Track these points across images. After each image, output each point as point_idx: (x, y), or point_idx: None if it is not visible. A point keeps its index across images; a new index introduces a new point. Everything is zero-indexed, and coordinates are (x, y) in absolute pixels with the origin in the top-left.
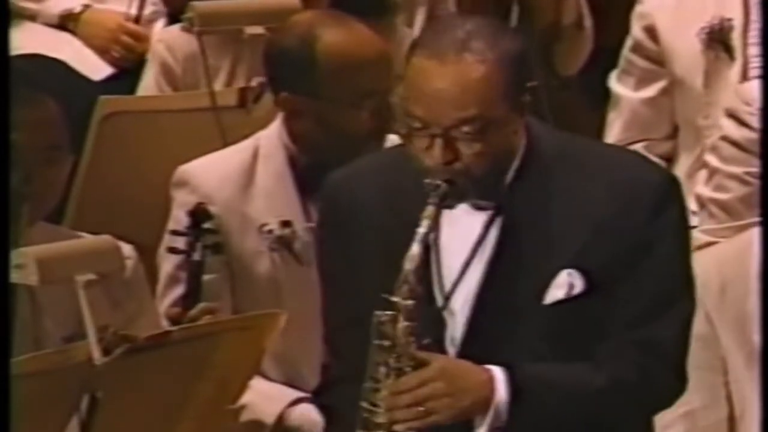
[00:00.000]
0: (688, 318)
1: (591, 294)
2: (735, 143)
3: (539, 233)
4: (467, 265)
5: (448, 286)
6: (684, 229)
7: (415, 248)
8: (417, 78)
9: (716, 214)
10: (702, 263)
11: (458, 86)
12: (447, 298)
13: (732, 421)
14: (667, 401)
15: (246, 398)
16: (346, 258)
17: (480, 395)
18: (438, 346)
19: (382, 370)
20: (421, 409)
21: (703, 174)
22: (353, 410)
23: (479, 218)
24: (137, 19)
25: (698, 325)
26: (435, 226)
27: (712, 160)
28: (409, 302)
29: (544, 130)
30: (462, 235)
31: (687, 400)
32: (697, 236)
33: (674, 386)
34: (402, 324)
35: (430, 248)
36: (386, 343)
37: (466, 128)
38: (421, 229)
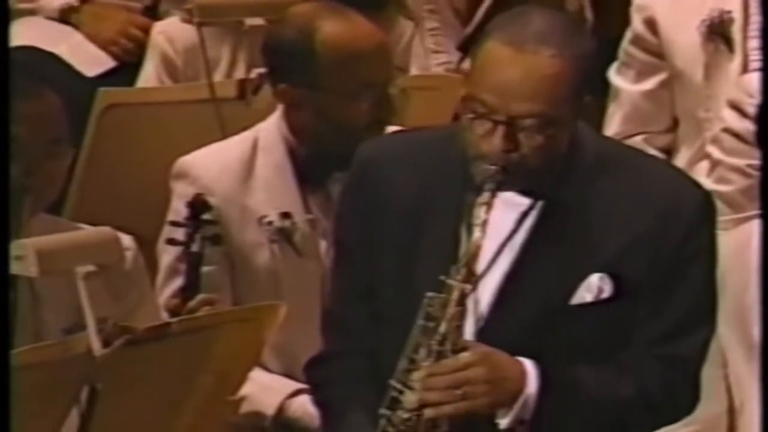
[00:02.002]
0: (710, 338)
1: (618, 301)
2: (737, 135)
3: (573, 234)
4: (497, 254)
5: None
6: (714, 249)
7: (478, 233)
8: (490, 63)
9: (718, 206)
10: None
11: (532, 78)
12: (474, 285)
13: (732, 413)
14: (684, 414)
15: (246, 390)
16: (366, 232)
17: (514, 387)
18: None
19: (423, 351)
20: (458, 392)
21: (704, 166)
22: (347, 384)
23: (513, 212)
24: (153, 13)
25: None
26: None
27: (714, 152)
28: (467, 286)
29: (588, 132)
30: (495, 227)
31: None
32: None
33: (691, 403)
34: (452, 308)
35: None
36: (431, 324)
37: (530, 121)
38: (482, 215)
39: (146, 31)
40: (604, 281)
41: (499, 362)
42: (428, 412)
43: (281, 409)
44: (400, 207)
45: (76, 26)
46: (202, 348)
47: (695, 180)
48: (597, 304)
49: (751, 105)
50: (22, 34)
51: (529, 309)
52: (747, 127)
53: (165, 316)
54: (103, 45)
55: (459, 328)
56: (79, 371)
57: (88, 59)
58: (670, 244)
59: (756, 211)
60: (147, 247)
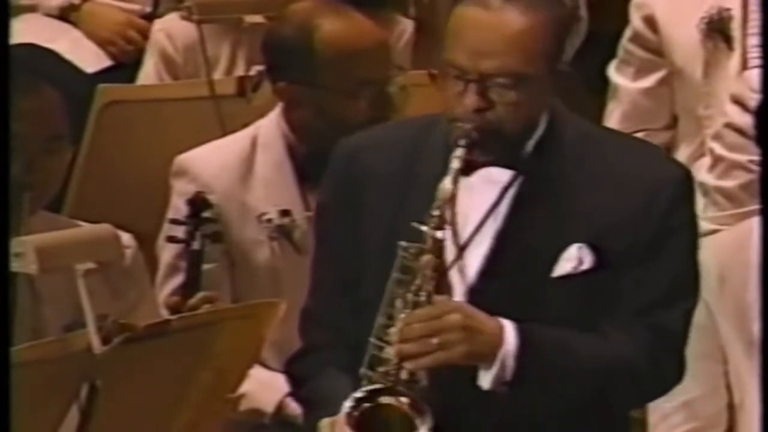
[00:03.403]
0: (693, 310)
1: (600, 272)
2: (739, 130)
3: (554, 206)
4: (481, 224)
5: (461, 242)
6: (695, 224)
7: (448, 181)
8: (459, 25)
9: (719, 202)
10: (701, 254)
11: (499, 35)
12: (458, 257)
13: (731, 409)
14: (668, 388)
15: (245, 387)
16: (350, 223)
17: (491, 340)
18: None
19: (399, 303)
20: (434, 341)
21: (706, 162)
22: (329, 374)
23: (496, 187)
24: (151, 17)
25: (698, 315)
26: (462, 172)
27: (716, 147)
28: (438, 233)
29: (568, 112)
30: (477, 202)
31: (686, 390)
32: (701, 224)
33: (676, 374)
34: (426, 256)
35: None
36: (407, 276)
37: (502, 79)
38: (454, 165)
39: (144, 34)
40: (583, 251)
41: (475, 313)
42: (406, 365)
43: (281, 407)
44: (382, 195)
45: (75, 24)
46: (201, 345)
47: (674, 158)
48: (579, 275)
49: (754, 99)
50: (21, 30)
51: (514, 280)
52: (749, 122)
53: (165, 314)
54: (101, 44)
55: (434, 279)
56: (78, 368)
57: (88, 56)
58: (651, 219)
59: (755, 207)
60: (147, 244)
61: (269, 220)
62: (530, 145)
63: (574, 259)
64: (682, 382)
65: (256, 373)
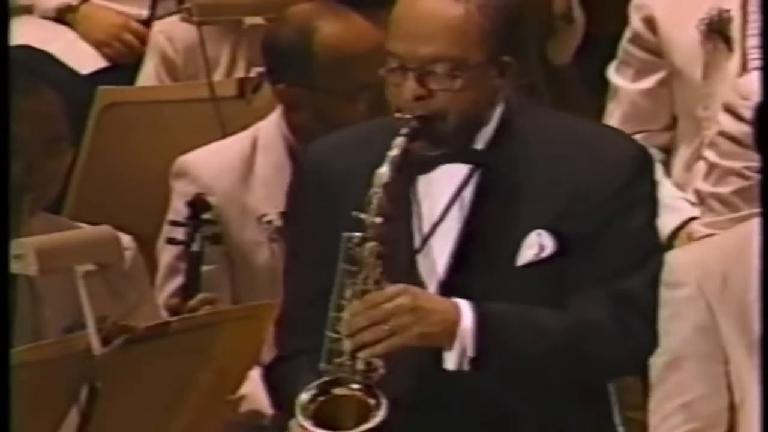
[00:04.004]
0: (657, 277)
1: (563, 256)
2: (732, 138)
3: (514, 196)
4: (442, 217)
5: (425, 231)
6: (653, 199)
7: (384, 168)
8: (400, 14)
9: (715, 208)
10: (704, 253)
11: (437, 21)
12: (421, 248)
13: (732, 410)
14: (643, 353)
15: (245, 388)
16: (319, 230)
17: (445, 318)
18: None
19: (348, 294)
20: (386, 327)
21: (701, 169)
22: (304, 381)
23: (456, 180)
24: (149, 21)
25: (699, 315)
26: (405, 158)
27: (710, 155)
28: (378, 219)
29: (524, 102)
30: (440, 194)
31: (688, 390)
32: (698, 229)
33: (647, 337)
34: (370, 244)
35: (411, 202)
36: (353, 267)
37: (440, 66)
38: (392, 153)
39: (140, 37)
40: (543, 237)
41: (425, 294)
42: (362, 354)
43: None
44: (350, 199)
45: (71, 26)
46: (201, 347)
47: (630, 137)
48: (542, 262)
49: (746, 108)
50: (16, 32)
51: (481, 271)
52: (742, 130)
53: (164, 315)
54: (96, 46)
55: (379, 267)
56: (78, 370)
57: (82, 57)
58: (608, 196)
59: (752, 210)
60: (147, 246)
61: (269, 222)
62: (484, 137)
63: (535, 245)
64: (684, 382)
65: (256, 374)
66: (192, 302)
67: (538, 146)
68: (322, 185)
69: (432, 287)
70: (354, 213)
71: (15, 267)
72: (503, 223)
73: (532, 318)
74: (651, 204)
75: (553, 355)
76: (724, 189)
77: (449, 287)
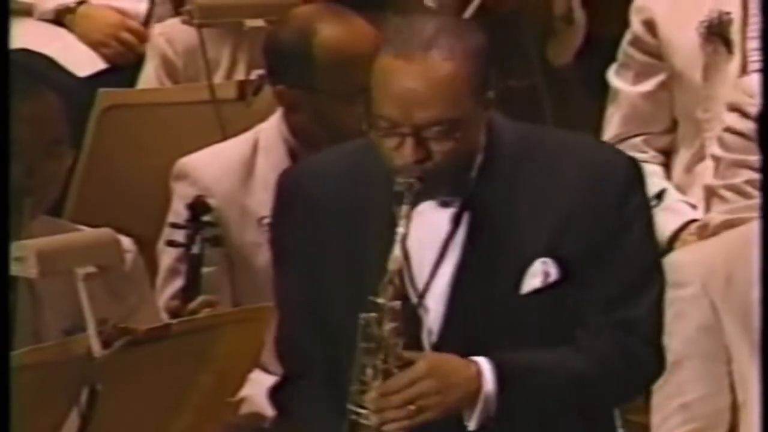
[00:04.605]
0: (661, 296)
1: (566, 281)
2: (740, 133)
3: (509, 224)
4: (439, 261)
5: (420, 283)
6: (648, 210)
7: (398, 250)
8: (384, 78)
9: (726, 197)
10: (708, 253)
11: (427, 85)
12: (421, 295)
13: (735, 409)
14: (649, 379)
15: (246, 391)
16: (304, 254)
17: (469, 389)
18: (415, 342)
19: (369, 372)
20: (412, 407)
21: (709, 166)
22: (307, 413)
23: (446, 214)
24: (147, 20)
25: (703, 315)
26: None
27: (717, 151)
28: (395, 303)
29: (504, 122)
30: (429, 231)
31: (690, 390)
32: (714, 216)
33: (655, 363)
34: (388, 325)
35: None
36: (372, 345)
37: (436, 128)
38: (401, 230)
39: (138, 35)
40: (548, 265)
41: (448, 369)
42: (388, 428)
43: None
44: (333, 224)
45: (69, 27)
46: (202, 349)
47: (616, 147)
48: (547, 288)
49: (752, 105)
50: (14, 36)
51: (481, 306)
52: (749, 126)
53: (165, 318)
54: (94, 46)
55: (399, 344)
56: (79, 372)
57: (80, 59)
58: (603, 213)
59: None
60: (147, 248)
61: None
62: (474, 170)
63: (539, 273)
64: (686, 382)
65: (257, 376)
66: (192, 304)
67: (524, 169)
68: (299, 208)
69: (432, 324)
70: (370, 298)
71: (15, 269)
72: (500, 254)
73: (547, 370)
74: (647, 215)
75: (567, 398)
76: (735, 179)
77: (449, 323)
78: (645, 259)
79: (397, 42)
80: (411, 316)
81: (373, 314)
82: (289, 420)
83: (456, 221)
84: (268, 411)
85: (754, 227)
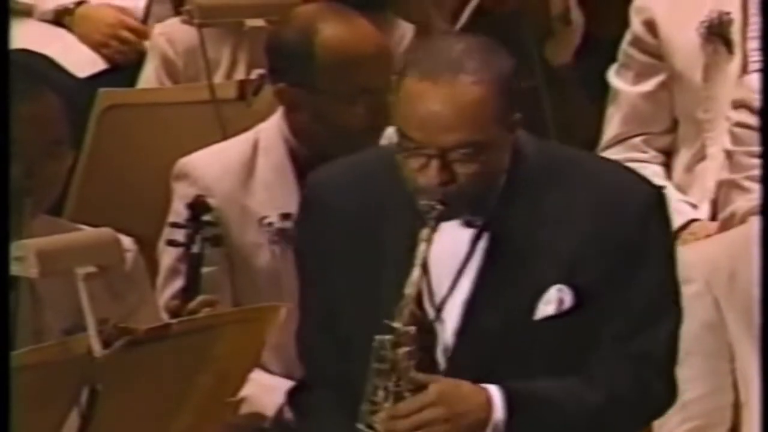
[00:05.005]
0: (677, 328)
1: (581, 308)
2: (750, 127)
3: (527, 248)
4: (456, 279)
5: (438, 297)
6: (670, 239)
7: (416, 273)
8: (410, 100)
9: (748, 187)
10: (712, 250)
11: (454, 108)
12: (438, 310)
13: (737, 408)
14: (660, 411)
15: (246, 391)
16: (324, 261)
17: (478, 417)
18: (430, 358)
19: (381, 393)
20: None
21: (719, 162)
22: (319, 420)
23: (466, 234)
24: (145, 17)
25: (707, 312)
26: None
27: (729, 145)
28: (411, 328)
29: (530, 142)
30: (449, 250)
31: (692, 388)
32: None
33: (666, 396)
34: (402, 349)
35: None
36: (385, 366)
37: (462, 150)
38: (420, 253)
39: (138, 33)
40: (563, 292)
41: (458, 397)
42: None
43: (281, 411)
44: (352, 234)
45: (68, 28)
46: (202, 349)
47: (642, 176)
48: (561, 315)
49: (757, 101)
50: (14, 36)
51: (495, 330)
52: (757, 121)
53: (165, 317)
54: (94, 47)
55: (412, 367)
56: (79, 372)
57: (80, 60)
58: (620, 241)
59: None
60: (147, 248)
61: (270, 224)
62: (496, 193)
63: (554, 300)
64: (690, 380)
65: (257, 376)
66: (192, 304)
67: (546, 193)
68: (320, 214)
69: (445, 344)
70: (386, 321)
71: (16, 269)
72: (516, 278)
73: (559, 397)
74: (667, 247)
75: (576, 429)
76: (754, 171)
77: (461, 344)
78: (663, 292)
79: (423, 64)
80: (428, 332)
81: (388, 337)
82: (304, 424)
83: (475, 241)
84: (269, 411)
85: (754, 225)
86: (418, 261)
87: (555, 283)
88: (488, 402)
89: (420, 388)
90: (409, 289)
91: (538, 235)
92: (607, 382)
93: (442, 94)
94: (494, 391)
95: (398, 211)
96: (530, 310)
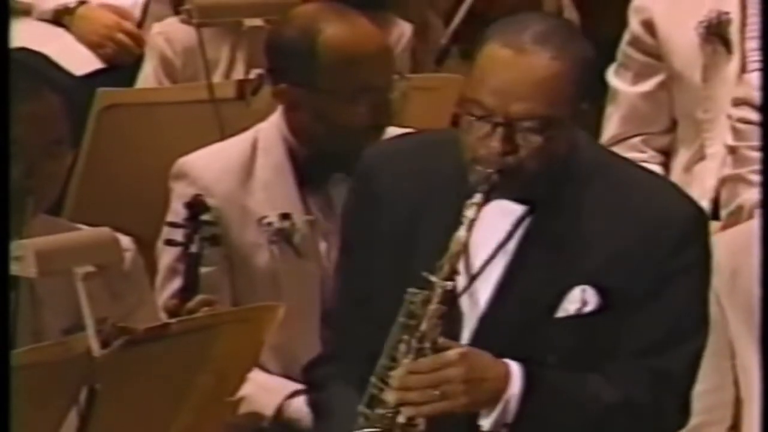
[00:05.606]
0: (701, 349)
1: (603, 314)
2: (753, 123)
3: (565, 241)
4: (489, 261)
5: (472, 272)
6: (708, 262)
7: (463, 232)
8: (489, 65)
9: (754, 180)
10: (714, 248)
11: (531, 79)
12: (466, 288)
13: (738, 405)
14: (672, 430)
15: (245, 390)
16: (366, 236)
17: (495, 387)
18: (452, 332)
19: (402, 348)
20: (435, 392)
21: (720, 157)
22: (338, 388)
23: (508, 217)
24: (142, 17)
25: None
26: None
27: (732, 141)
28: (448, 283)
29: (587, 141)
30: (491, 233)
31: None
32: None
33: (678, 417)
34: (433, 305)
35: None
36: (412, 322)
37: (529, 122)
38: (469, 214)
39: (134, 37)
40: (587, 293)
41: (479, 363)
42: (406, 411)
43: (280, 410)
44: (397, 214)
45: (67, 28)
46: (201, 349)
47: (688, 195)
48: (582, 317)
49: (758, 98)
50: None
51: (517, 317)
52: (759, 117)
53: (164, 317)
54: (91, 47)
55: (439, 327)
56: (78, 372)
57: (78, 59)
58: (658, 257)
59: None
60: (146, 247)
61: (269, 224)
62: (546, 180)
63: (577, 301)
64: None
65: (256, 376)
66: (191, 304)
67: (594, 192)
68: (369, 191)
69: (470, 320)
70: (424, 273)
71: (15, 268)
72: (546, 272)
73: (577, 388)
74: (703, 271)
75: (586, 424)
76: (758, 166)
77: (487, 323)
78: (693, 312)
79: (509, 33)
80: (455, 310)
81: (422, 291)
82: (315, 398)
83: (518, 224)
84: (267, 411)
85: (756, 223)
86: (466, 221)
87: (582, 283)
88: (507, 375)
89: (441, 349)
90: (455, 246)
91: (578, 230)
92: (626, 386)
93: (521, 62)
94: (515, 367)
95: (443, 196)
96: (553, 306)
